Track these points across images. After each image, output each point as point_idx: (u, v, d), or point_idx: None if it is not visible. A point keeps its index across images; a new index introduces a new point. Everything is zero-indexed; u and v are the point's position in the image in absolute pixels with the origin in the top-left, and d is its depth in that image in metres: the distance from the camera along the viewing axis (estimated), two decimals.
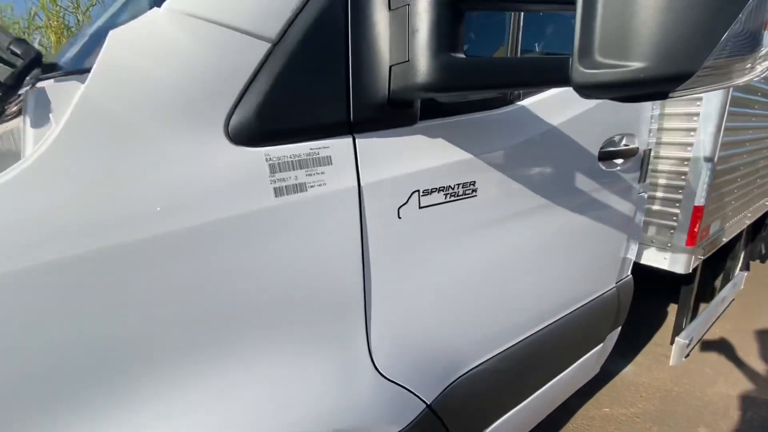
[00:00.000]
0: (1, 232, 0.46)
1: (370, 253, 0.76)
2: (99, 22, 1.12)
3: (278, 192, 0.62)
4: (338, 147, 0.68)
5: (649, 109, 1.45)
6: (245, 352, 0.64)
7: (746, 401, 2.21)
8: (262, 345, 0.66)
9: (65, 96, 0.50)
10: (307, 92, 0.63)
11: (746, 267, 3.62)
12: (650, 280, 3.37)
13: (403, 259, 0.82)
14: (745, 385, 2.33)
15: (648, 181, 1.64)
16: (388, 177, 0.75)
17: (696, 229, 1.70)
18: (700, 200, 1.67)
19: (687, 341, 2.30)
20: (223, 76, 0.57)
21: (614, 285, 1.57)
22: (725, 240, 2.25)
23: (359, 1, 0.65)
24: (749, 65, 0.58)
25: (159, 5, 0.54)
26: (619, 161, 1.36)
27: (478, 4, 0.67)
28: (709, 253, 2.08)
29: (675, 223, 1.76)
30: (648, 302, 3.29)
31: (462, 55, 0.63)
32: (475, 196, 0.91)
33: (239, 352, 0.64)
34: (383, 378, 0.83)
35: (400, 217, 0.79)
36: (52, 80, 0.60)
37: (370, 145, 0.72)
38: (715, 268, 2.92)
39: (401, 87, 0.67)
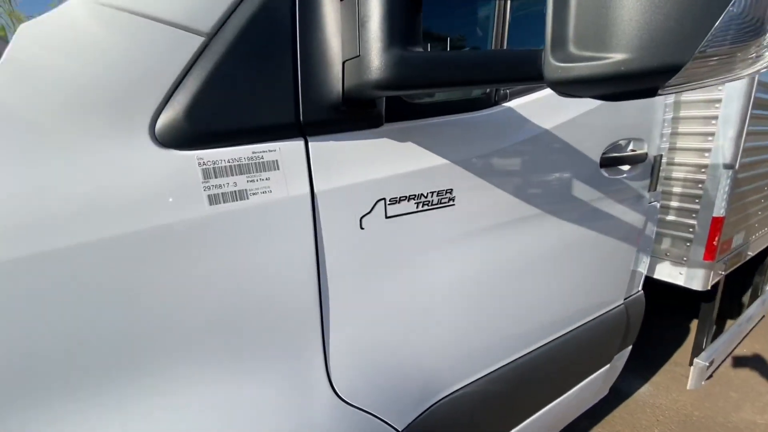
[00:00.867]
0: None
1: (327, 266, 0.69)
2: None
3: (213, 199, 0.56)
4: (287, 150, 0.62)
5: (660, 111, 1.34)
6: (177, 373, 0.59)
7: None
8: (197, 367, 0.60)
9: None
10: (248, 91, 0.58)
11: None
12: (669, 294, 3.18)
13: (368, 274, 0.75)
14: None
15: (660, 189, 1.52)
16: (347, 184, 0.69)
17: (715, 242, 1.56)
18: (719, 211, 1.54)
19: (707, 363, 2.12)
20: (148, 73, 0.52)
21: (622, 301, 1.46)
22: (751, 254, 2.08)
23: None
24: (753, 54, 0.49)
25: None
26: (625, 168, 1.25)
27: None
28: (732, 268, 1.92)
29: (691, 235, 1.63)
30: (667, 317, 3.10)
31: (419, 49, 0.57)
32: (453, 205, 0.84)
33: (169, 374, 0.58)
34: (344, 403, 0.75)
35: (362, 228, 0.72)
36: None
37: (326, 148, 0.66)
38: (742, 283, 2.73)
39: (355, 85, 0.60)
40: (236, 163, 0.58)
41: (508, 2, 0.86)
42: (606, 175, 1.18)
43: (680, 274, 1.71)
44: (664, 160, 1.46)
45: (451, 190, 0.83)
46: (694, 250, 1.63)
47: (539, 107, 0.97)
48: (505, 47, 0.88)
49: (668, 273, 1.75)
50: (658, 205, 1.50)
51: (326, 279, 0.69)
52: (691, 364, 2.25)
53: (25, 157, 0.47)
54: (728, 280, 2.57)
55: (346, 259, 0.71)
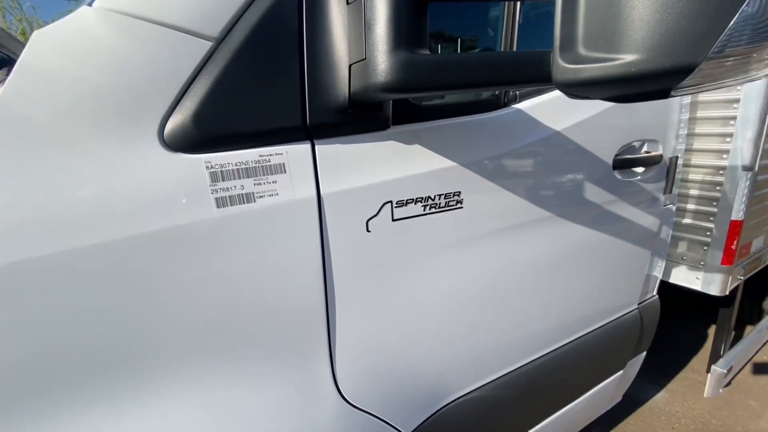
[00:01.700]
0: None
1: (333, 269, 0.69)
2: None
3: (221, 202, 0.57)
4: (293, 154, 0.62)
5: (677, 112, 1.31)
6: (185, 374, 0.59)
7: None
8: (204, 368, 0.61)
9: None
10: (255, 95, 0.58)
11: None
12: (686, 299, 3.11)
13: (375, 276, 0.75)
14: None
15: (676, 191, 1.48)
16: (354, 186, 0.69)
17: (733, 246, 1.52)
18: (737, 214, 1.49)
19: (725, 370, 2.06)
20: (157, 78, 0.53)
21: (636, 306, 1.42)
22: None
23: None
24: None
25: None
26: (640, 170, 1.23)
27: None
28: (751, 273, 1.86)
29: (709, 239, 1.58)
30: (685, 323, 3.02)
31: (425, 52, 0.56)
32: (461, 207, 0.83)
33: (178, 374, 0.59)
34: (350, 406, 0.75)
35: (369, 231, 0.72)
36: None
37: (333, 151, 0.66)
38: (763, 288, 2.64)
39: (361, 87, 0.60)
40: (243, 166, 0.58)
41: (518, 4, 0.85)
42: (619, 177, 1.16)
43: (697, 278, 1.66)
44: (680, 161, 1.43)
45: (459, 192, 0.82)
46: (711, 254, 1.58)
47: (549, 109, 0.95)
48: (514, 49, 0.87)
49: (685, 277, 1.71)
50: (674, 208, 1.47)
51: (332, 281, 0.69)
52: (708, 371, 2.18)
53: (37, 160, 0.48)
54: (748, 284, 2.50)
55: (353, 262, 0.71)
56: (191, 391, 0.61)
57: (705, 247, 1.60)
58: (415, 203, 0.77)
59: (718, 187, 1.53)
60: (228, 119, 0.57)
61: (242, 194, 0.58)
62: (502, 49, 0.87)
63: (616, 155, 1.13)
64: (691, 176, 1.61)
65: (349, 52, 0.61)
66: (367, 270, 0.73)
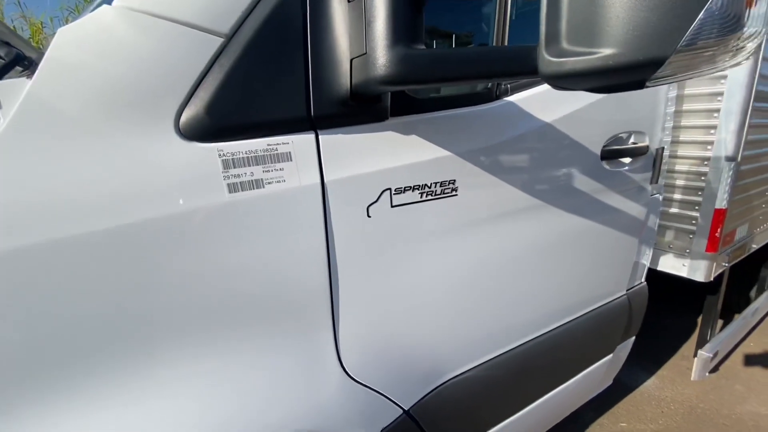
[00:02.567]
0: None
1: (336, 251, 0.74)
2: None
3: (232, 188, 0.61)
4: (299, 143, 0.67)
5: (662, 105, 1.36)
6: (196, 350, 0.64)
7: None
8: (215, 344, 0.65)
9: (14, 94, 0.51)
10: (263, 87, 0.62)
11: None
12: (677, 289, 3.18)
13: (375, 259, 0.80)
14: None
15: (662, 182, 1.54)
16: (355, 174, 0.73)
17: (717, 234, 1.58)
18: (721, 203, 1.55)
19: (711, 354, 2.14)
20: (173, 72, 0.57)
21: (624, 292, 1.48)
22: (756, 246, 2.08)
23: None
24: (733, 47, 0.52)
25: None
26: (627, 160, 1.28)
27: None
28: (736, 261, 1.93)
29: (694, 228, 1.65)
30: (675, 312, 3.10)
31: (421, 47, 0.61)
32: (456, 195, 0.88)
33: (190, 349, 0.63)
34: (353, 381, 0.80)
35: (369, 216, 0.76)
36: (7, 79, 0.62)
37: (335, 141, 0.70)
38: (750, 277, 2.72)
39: (362, 81, 0.65)
40: (253, 154, 0.63)
41: (509, 1, 0.89)
42: (607, 167, 1.21)
43: (683, 265, 1.73)
44: (666, 153, 1.48)
45: (454, 180, 0.87)
46: (696, 242, 1.64)
47: (539, 101, 1.00)
48: (506, 44, 0.92)
49: (672, 265, 1.77)
50: (661, 197, 1.52)
51: (336, 263, 0.74)
52: (695, 355, 2.26)
53: (64, 147, 0.52)
54: (735, 274, 2.57)
55: (355, 244, 0.76)
56: (203, 365, 0.65)
57: (691, 236, 1.67)
58: (413, 190, 0.81)
59: (702, 178, 1.59)
60: (238, 110, 0.61)
61: (252, 180, 0.63)
62: (494, 44, 0.92)
63: (604, 146, 1.18)
64: (677, 167, 1.67)
65: (350, 47, 0.65)
66: (368, 252, 0.78)
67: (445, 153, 0.84)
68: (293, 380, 0.74)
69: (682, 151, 1.65)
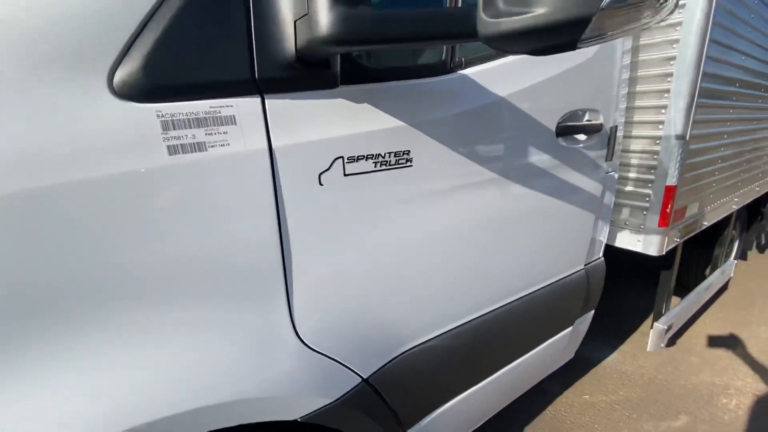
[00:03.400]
0: None
1: (287, 218, 0.73)
2: None
3: (172, 150, 0.60)
4: (244, 106, 0.66)
5: (616, 83, 1.41)
6: (138, 320, 0.62)
7: (731, 389, 2.17)
8: (158, 314, 0.64)
9: None
10: (204, 48, 0.61)
11: (742, 256, 3.56)
12: (636, 269, 3.31)
13: (329, 227, 0.80)
14: (732, 373, 2.29)
15: (618, 161, 1.60)
16: (305, 141, 0.73)
17: (668, 210, 1.66)
18: (671, 180, 1.63)
19: (666, 327, 2.25)
20: (105, 27, 0.55)
21: (583, 267, 1.54)
22: (707, 224, 2.20)
23: None
24: (655, 3, 0.55)
25: None
26: (582, 137, 1.32)
27: None
28: (688, 236, 2.03)
29: (647, 204, 1.72)
30: (636, 290, 3.25)
31: (364, 7, 0.61)
32: (411, 166, 0.89)
33: (129, 320, 0.62)
34: (308, 348, 0.81)
35: (321, 184, 0.76)
36: None
37: (283, 106, 0.70)
38: (705, 256, 2.88)
39: (306, 42, 0.64)
40: (194, 116, 0.61)
41: None
42: (563, 144, 1.25)
43: (638, 241, 1.81)
44: (620, 133, 1.54)
45: (408, 151, 0.88)
46: (650, 218, 1.72)
47: (494, 75, 1.02)
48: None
49: (628, 241, 1.85)
50: (616, 175, 1.58)
51: (287, 229, 0.73)
52: (651, 328, 2.38)
53: None
54: (690, 253, 2.71)
55: (307, 211, 0.75)
56: (146, 336, 0.64)
57: (644, 212, 1.74)
58: (366, 159, 0.82)
59: (655, 156, 1.66)
60: (177, 70, 0.60)
61: (194, 143, 0.62)
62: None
63: (559, 122, 1.21)
64: (632, 147, 1.74)
65: (293, 8, 0.65)
66: (321, 220, 0.78)
67: (398, 123, 0.85)
68: (247, 349, 0.74)
69: (636, 131, 1.72)
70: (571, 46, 0.58)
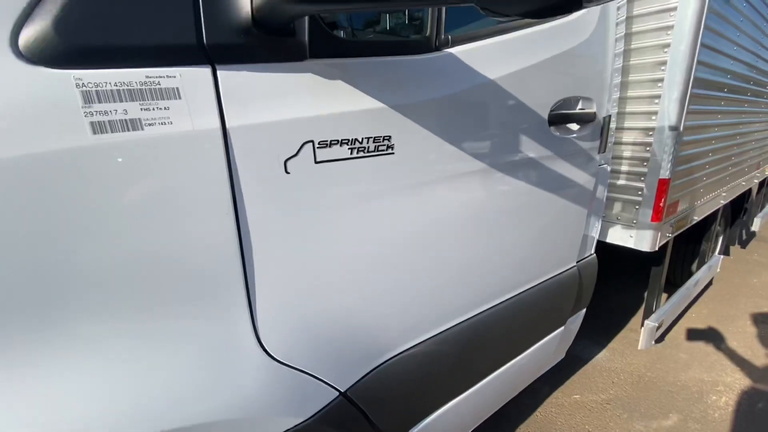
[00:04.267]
0: None
1: (247, 211, 0.63)
2: None
3: (97, 128, 0.49)
4: (190, 77, 0.55)
5: (609, 71, 1.34)
6: (73, 330, 0.52)
7: (720, 386, 2.14)
8: (97, 323, 0.53)
9: None
10: (138, 3, 0.50)
11: (726, 251, 3.58)
12: (629, 266, 3.29)
13: (296, 222, 0.69)
14: (720, 369, 2.27)
15: (610, 153, 1.53)
16: (267, 121, 0.62)
17: (661, 204, 1.61)
18: (665, 173, 1.58)
19: (656, 324, 2.22)
20: None
21: (575, 264, 1.47)
22: (697, 219, 2.16)
23: None
24: None
25: None
26: (575, 127, 1.25)
27: None
28: (679, 231, 1.99)
29: (640, 198, 1.67)
30: (623, 286, 3.23)
31: None
32: (392, 153, 0.79)
33: (63, 329, 0.51)
34: (276, 362, 0.70)
35: (288, 172, 0.66)
36: None
37: (240, 78, 0.59)
38: (692, 251, 2.86)
39: (263, 1, 0.54)
40: (126, 87, 0.50)
41: None
42: (556, 133, 1.17)
43: (630, 236, 1.75)
44: (613, 125, 1.48)
45: (390, 137, 0.78)
46: (642, 212, 1.67)
47: (484, 56, 0.93)
48: None
49: (620, 236, 1.80)
50: (609, 168, 1.52)
51: (247, 224, 0.63)
52: (642, 326, 2.34)
53: None
54: (677, 248, 2.69)
55: (270, 205, 0.65)
56: (92, 353, 0.53)
57: (637, 207, 1.69)
58: (341, 145, 0.72)
59: (647, 148, 1.60)
60: (104, 29, 0.49)
61: (125, 120, 0.51)
62: None
63: (552, 110, 1.13)
64: (624, 138, 1.68)
65: None
66: (287, 214, 0.68)
67: (378, 105, 0.75)
68: (205, 363, 0.63)
69: (628, 122, 1.65)
70: (576, 5, 0.50)
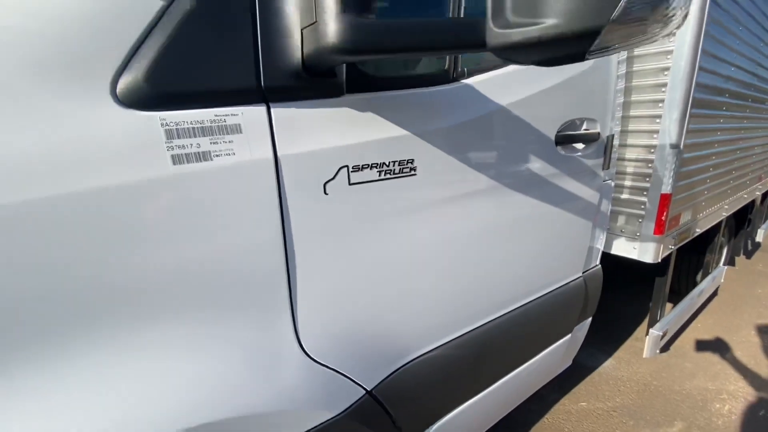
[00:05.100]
0: None
1: (293, 228, 0.72)
2: None
3: (176, 159, 0.58)
4: (249, 115, 0.64)
5: (612, 94, 1.43)
6: (139, 336, 0.60)
7: (724, 394, 2.19)
8: (161, 329, 0.62)
9: None
10: (210, 54, 0.60)
11: (730, 262, 3.62)
12: (633, 277, 3.35)
13: (334, 238, 0.78)
14: (724, 378, 2.31)
15: (614, 169, 1.61)
16: (311, 150, 0.72)
17: (663, 218, 1.68)
18: (666, 188, 1.65)
19: (661, 333, 2.27)
20: (109, 34, 0.54)
21: (581, 274, 1.54)
22: (699, 231, 2.23)
23: None
24: (663, 17, 0.55)
25: None
26: (580, 146, 1.33)
27: None
28: (681, 243, 2.06)
29: (643, 212, 1.74)
30: (629, 297, 3.28)
31: (372, 16, 0.60)
32: (415, 174, 0.88)
33: (130, 337, 0.60)
34: (313, 361, 0.79)
35: (327, 193, 0.75)
36: None
37: (289, 115, 0.69)
38: (697, 261, 2.92)
39: (313, 51, 0.63)
40: (199, 125, 0.60)
41: None
42: (562, 152, 1.26)
43: (634, 248, 1.82)
44: (616, 142, 1.56)
45: (413, 160, 0.87)
46: (645, 225, 1.74)
47: (496, 85, 1.02)
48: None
49: (624, 248, 1.87)
50: (613, 183, 1.60)
51: (292, 240, 0.72)
52: (647, 334, 2.40)
53: None
54: (682, 259, 2.74)
55: (312, 222, 0.74)
56: (153, 354, 0.62)
57: (640, 220, 1.76)
58: (371, 168, 0.81)
59: (650, 165, 1.68)
60: (182, 77, 0.58)
61: (198, 152, 0.60)
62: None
63: (558, 131, 1.22)
64: (627, 155, 1.76)
65: (300, 16, 0.64)
66: (326, 231, 0.77)
67: (402, 132, 0.84)
68: (252, 364, 0.72)
69: (631, 140, 1.74)
70: (580, 57, 0.58)
